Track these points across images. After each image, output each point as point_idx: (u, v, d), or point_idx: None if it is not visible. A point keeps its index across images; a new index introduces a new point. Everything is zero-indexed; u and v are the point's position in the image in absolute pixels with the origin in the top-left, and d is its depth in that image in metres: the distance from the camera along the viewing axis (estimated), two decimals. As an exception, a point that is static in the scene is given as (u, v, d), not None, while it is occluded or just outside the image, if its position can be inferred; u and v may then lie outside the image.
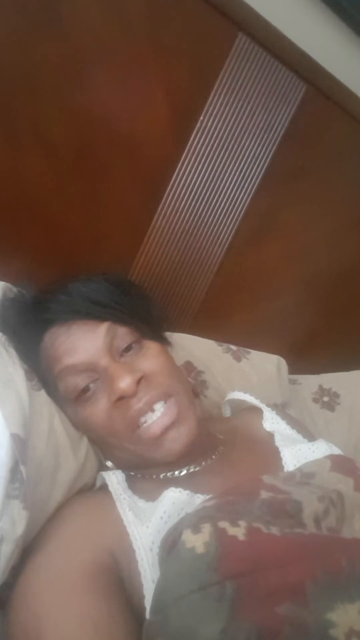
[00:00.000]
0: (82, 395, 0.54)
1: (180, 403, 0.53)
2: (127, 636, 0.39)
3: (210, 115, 0.75)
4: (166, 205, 0.77)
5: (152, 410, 0.52)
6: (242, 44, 0.72)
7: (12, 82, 0.61)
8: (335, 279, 1.01)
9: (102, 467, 0.59)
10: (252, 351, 0.89)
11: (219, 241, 0.84)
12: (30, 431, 0.50)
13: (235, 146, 0.79)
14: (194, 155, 0.76)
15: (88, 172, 0.70)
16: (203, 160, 0.77)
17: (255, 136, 0.79)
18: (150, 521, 0.46)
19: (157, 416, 0.52)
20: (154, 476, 0.56)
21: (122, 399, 0.52)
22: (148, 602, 0.41)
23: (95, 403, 0.53)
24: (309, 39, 0.76)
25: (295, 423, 0.70)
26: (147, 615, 0.39)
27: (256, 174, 0.82)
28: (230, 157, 0.79)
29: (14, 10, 0.58)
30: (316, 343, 1.06)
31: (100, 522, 0.48)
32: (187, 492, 0.48)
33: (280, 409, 0.77)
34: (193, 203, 0.79)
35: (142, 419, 0.52)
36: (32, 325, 0.57)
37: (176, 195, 0.77)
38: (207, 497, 0.45)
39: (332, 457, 0.52)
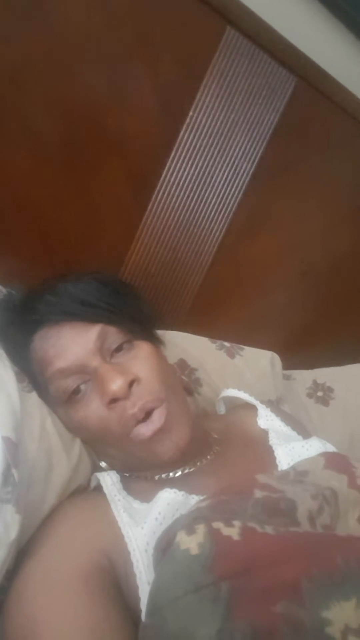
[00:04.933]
0: (73, 396, 0.53)
1: (173, 407, 0.53)
2: (124, 638, 0.39)
3: (200, 109, 0.74)
4: (157, 201, 0.77)
5: (146, 415, 0.52)
6: (230, 37, 0.72)
7: (-3, 78, 0.60)
8: (328, 273, 1.01)
9: (96, 468, 0.59)
10: (246, 347, 0.89)
11: (211, 236, 0.84)
12: (22, 434, 0.50)
13: (226, 141, 0.78)
14: (184, 151, 0.76)
15: (77, 169, 0.69)
16: (193, 155, 0.77)
17: (246, 130, 0.79)
18: (145, 522, 0.46)
19: (149, 420, 0.52)
20: (149, 477, 0.56)
21: (115, 401, 0.51)
22: (144, 604, 0.41)
23: (87, 405, 0.53)
24: (298, 32, 0.76)
25: (290, 419, 0.70)
26: (143, 617, 0.39)
27: (247, 168, 0.82)
28: (221, 151, 0.79)
29: (-3, 5, 0.57)
30: (310, 338, 1.06)
31: (95, 524, 0.48)
32: (182, 493, 0.48)
33: (275, 406, 0.77)
34: (184, 198, 0.79)
35: (136, 421, 0.52)
36: (21, 327, 0.56)
37: (167, 191, 0.77)
38: (202, 497, 0.45)
39: (326, 455, 0.52)
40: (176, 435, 0.52)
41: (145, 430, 0.51)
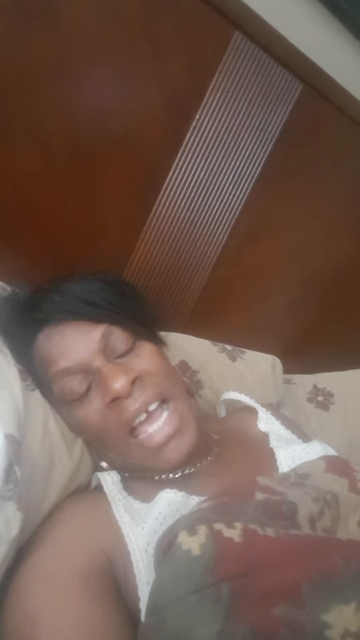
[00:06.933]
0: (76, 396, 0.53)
1: (181, 410, 0.53)
2: (123, 638, 0.39)
3: (206, 113, 0.75)
4: (162, 203, 0.77)
5: (147, 412, 0.52)
6: (238, 42, 0.72)
7: (5, 78, 0.60)
8: (330, 278, 1.01)
9: (97, 468, 0.59)
10: (247, 351, 0.89)
11: (214, 240, 0.84)
12: (25, 431, 0.50)
13: (231, 145, 0.79)
14: (190, 154, 0.76)
15: (83, 170, 0.69)
16: (199, 158, 0.77)
17: (251, 135, 0.79)
18: (146, 522, 0.46)
19: (159, 425, 0.51)
20: (149, 478, 0.56)
21: (116, 399, 0.51)
22: (143, 604, 0.41)
23: (89, 404, 0.53)
24: (305, 38, 0.76)
25: (290, 423, 0.70)
26: (143, 617, 0.39)
27: (252, 172, 0.82)
28: (226, 155, 0.79)
29: (7, 5, 0.57)
30: (311, 342, 1.06)
31: (95, 523, 0.48)
32: (183, 493, 0.48)
33: (275, 409, 0.77)
34: (189, 201, 0.79)
35: (137, 420, 0.52)
36: (25, 325, 0.56)
37: (172, 193, 0.77)
38: (202, 498, 0.45)
39: (327, 458, 0.52)
40: (185, 441, 0.52)
41: (158, 438, 0.51)
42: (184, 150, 0.75)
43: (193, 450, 0.52)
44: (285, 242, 0.92)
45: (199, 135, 0.75)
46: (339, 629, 0.32)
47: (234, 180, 0.81)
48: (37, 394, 0.55)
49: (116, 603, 0.41)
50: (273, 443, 0.60)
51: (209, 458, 0.58)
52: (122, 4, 0.63)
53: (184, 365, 0.79)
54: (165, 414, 0.52)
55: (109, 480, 0.54)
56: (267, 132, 0.80)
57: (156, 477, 0.56)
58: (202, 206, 0.81)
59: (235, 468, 0.56)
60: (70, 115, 0.65)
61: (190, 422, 0.53)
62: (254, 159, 0.81)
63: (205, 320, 0.89)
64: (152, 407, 0.52)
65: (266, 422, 0.67)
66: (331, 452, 0.56)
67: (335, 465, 0.50)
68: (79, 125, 0.66)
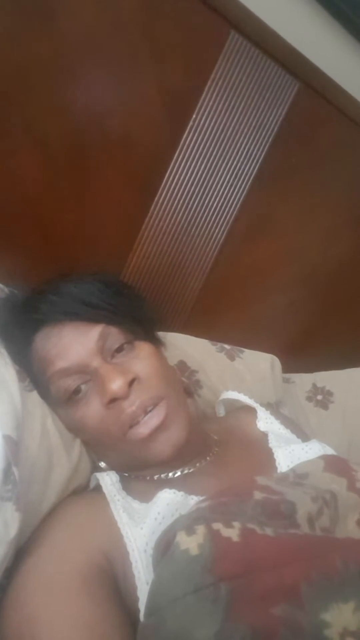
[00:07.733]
0: (74, 396, 0.53)
1: (170, 405, 0.53)
2: (122, 638, 0.39)
3: (203, 113, 0.75)
4: (159, 203, 0.77)
5: (145, 413, 0.52)
6: (235, 41, 0.72)
7: (4, 78, 0.60)
8: (329, 278, 1.01)
9: (96, 468, 0.59)
10: (246, 350, 0.89)
11: (212, 239, 0.84)
12: (23, 432, 0.50)
13: (229, 144, 0.79)
14: (187, 153, 0.76)
15: (81, 170, 0.69)
16: (196, 158, 0.77)
17: (249, 134, 0.79)
18: (145, 522, 0.46)
19: (148, 417, 0.52)
20: (148, 477, 0.56)
21: (114, 400, 0.51)
22: (142, 604, 0.41)
23: (87, 405, 0.53)
24: (301, 36, 0.76)
25: (289, 423, 0.70)
26: (142, 617, 0.39)
27: (249, 172, 0.82)
28: (224, 155, 0.79)
29: (6, 6, 0.57)
30: (310, 341, 1.06)
31: (94, 524, 0.48)
32: (182, 493, 0.48)
33: (274, 409, 0.77)
34: (186, 201, 0.79)
35: (135, 421, 0.52)
36: (23, 326, 0.56)
37: (169, 193, 0.77)
38: (201, 498, 0.45)
39: (326, 457, 0.52)
40: (173, 434, 0.52)
41: (144, 429, 0.51)
42: (181, 150, 0.75)
43: (182, 444, 0.52)
44: (284, 242, 0.92)
45: (196, 134, 0.75)
46: (337, 628, 0.32)
47: (232, 179, 0.81)
48: (35, 394, 0.55)
49: (115, 603, 0.41)
50: (272, 443, 0.60)
51: (208, 458, 0.58)
52: (121, 4, 0.63)
53: (182, 365, 0.79)
54: (156, 409, 0.52)
55: (108, 481, 0.54)
56: (264, 131, 0.80)
57: (155, 477, 0.56)
58: (199, 206, 0.80)
59: (234, 468, 0.56)
60: (69, 115, 0.65)
61: (180, 416, 0.53)
62: (252, 158, 0.81)
63: (204, 320, 0.89)
64: (149, 409, 0.52)
65: (265, 422, 0.67)
66: (330, 451, 0.56)
67: (334, 464, 0.50)
68: (77, 125, 0.66)
